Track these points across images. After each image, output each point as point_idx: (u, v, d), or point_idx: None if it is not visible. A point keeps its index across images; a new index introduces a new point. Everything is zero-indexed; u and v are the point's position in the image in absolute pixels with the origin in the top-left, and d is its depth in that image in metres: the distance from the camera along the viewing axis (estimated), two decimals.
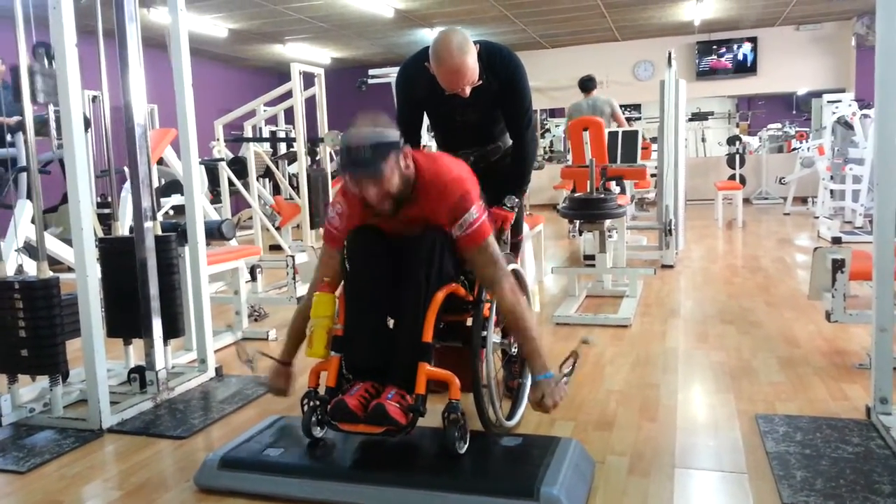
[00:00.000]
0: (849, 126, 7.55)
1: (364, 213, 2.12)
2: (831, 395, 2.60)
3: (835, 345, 3.24)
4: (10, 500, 2.04)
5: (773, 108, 13.60)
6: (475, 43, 2.39)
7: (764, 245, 6.54)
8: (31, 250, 3.37)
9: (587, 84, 7.04)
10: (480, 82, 2.40)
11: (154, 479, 2.13)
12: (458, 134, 2.69)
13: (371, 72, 8.57)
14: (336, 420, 1.95)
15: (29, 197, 4.29)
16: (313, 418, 2.09)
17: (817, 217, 7.95)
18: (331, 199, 2.24)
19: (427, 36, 9.80)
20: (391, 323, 2.13)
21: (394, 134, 1.99)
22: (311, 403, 2.08)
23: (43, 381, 2.67)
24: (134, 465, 2.22)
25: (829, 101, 8.46)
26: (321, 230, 7.62)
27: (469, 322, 2.22)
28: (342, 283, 2.16)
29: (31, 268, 2.97)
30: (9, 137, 5.49)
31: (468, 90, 2.38)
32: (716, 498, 1.91)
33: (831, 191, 7.69)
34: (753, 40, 11.28)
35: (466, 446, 1.99)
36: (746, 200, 9.70)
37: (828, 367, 2.93)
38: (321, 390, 2.08)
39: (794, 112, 13.19)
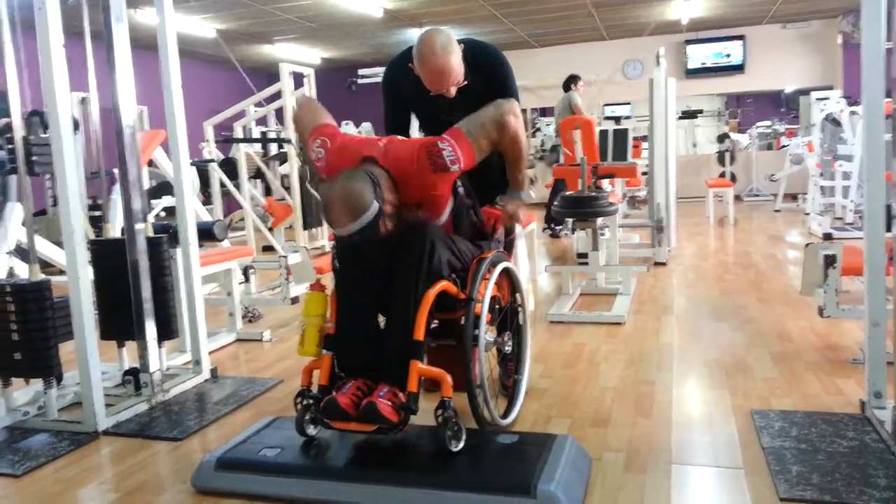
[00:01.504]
0: (837, 123, 7.59)
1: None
2: (825, 389, 2.62)
3: (828, 340, 3.26)
4: (5, 503, 2.02)
5: (762, 105, 13.67)
6: (460, 42, 2.37)
7: (755, 242, 6.57)
8: (23, 253, 3.35)
9: (565, 83, 7.52)
10: (466, 82, 2.39)
11: (150, 481, 2.12)
12: None
13: (361, 72, 8.58)
14: (328, 418, 1.95)
15: (19, 199, 4.25)
16: (307, 417, 2.08)
17: (808, 213, 8.00)
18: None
19: (416, 35, 9.79)
20: (382, 321, 2.13)
21: (370, 193, 1.97)
22: (304, 402, 2.08)
23: (37, 384, 2.65)
24: (130, 468, 2.21)
25: (817, 99, 8.51)
26: (313, 231, 7.61)
27: (462, 320, 2.22)
28: (334, 281, 2.16)
29: (22, 271, 2.95)
30: None
31: (453, 90, 2.37)
32: (712, 493, 1.92)
33: (821, 187, 7.73)
34: (741, 38, 11.34)
35: (461, 444, 1.99)
36: (737, 197, 9.74)
37: (821, 362, 2.95)
38: (314, 389, 2.08)
39: (782, 109, 13.25)
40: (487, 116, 2.21)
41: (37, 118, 3.51)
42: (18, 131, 2.59)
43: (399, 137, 2.22)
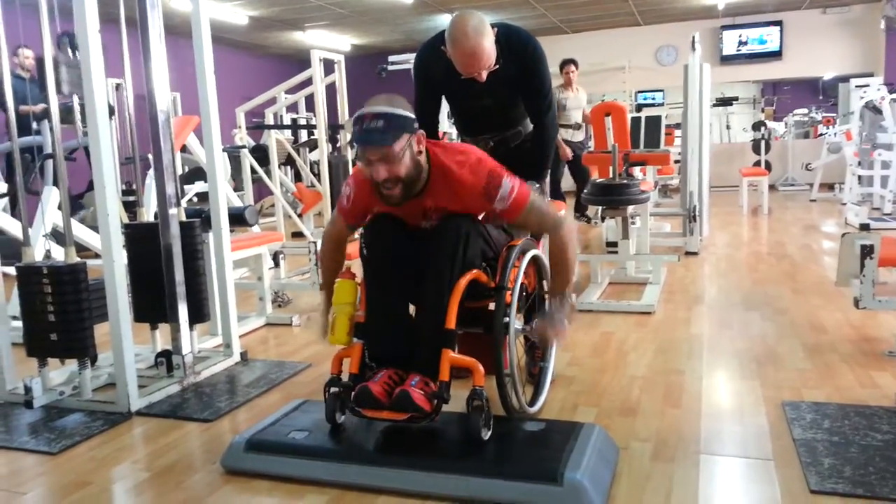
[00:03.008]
0: (877, 111, 7.41)
1: (371, 200, 2.12)
2: (859, 382, 2.57)
3: (863, 332, 3.19)
4: (42, 480, 2.08)
5: (799, 93, 13.38)
6: (493, 26, 2.35)
7: (790, 232, 6.46)
8: (59, 236, 3.42)
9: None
10: (497, 66, 2.37)
11: (182, 460, 2.16)
12: (478, 119, 2.67)
13: (391, 58, 8.56)
14: (361, 406, 1.96)
15: (55, 184, 4.34)
16: (336, 405, 2.10)
17: (844, 203, 7.82)
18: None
19: (447, 21, 9.75)
20: (412, 309, 2.13)
21: (409, 114, 1.98)
22: (335, 390, 2.09)
23: (72, 364, 2.71)
24: (162, 448, 2.26)
25: (856, 86, 8.31)
26: None
27: (492, 308, 2.22)
28: (363, 269, 2.17)
29: (58, 253, 3.01)
30: (35, 125, 5.56)
31: (485, 74, 2.35)
32: (741, 484, 1.89)
33: (859, 177, 7.57)
34: (779, 24, 11.09)
35: (490, 432, 1.99)
36: (772, 187, 9.58)
37: (856, 354, 2.89)
38: (344, 377, 2.09)
39: (820, 97, 12.96)
40: (554, 213, 2.19)
41: (66, 39, 3.55)
42: (56, 118, 2.63)
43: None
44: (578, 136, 7.03)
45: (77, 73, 2.52)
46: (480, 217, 2.22)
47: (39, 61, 2.65)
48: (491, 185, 2.05)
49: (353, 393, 1.98)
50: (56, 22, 2.79)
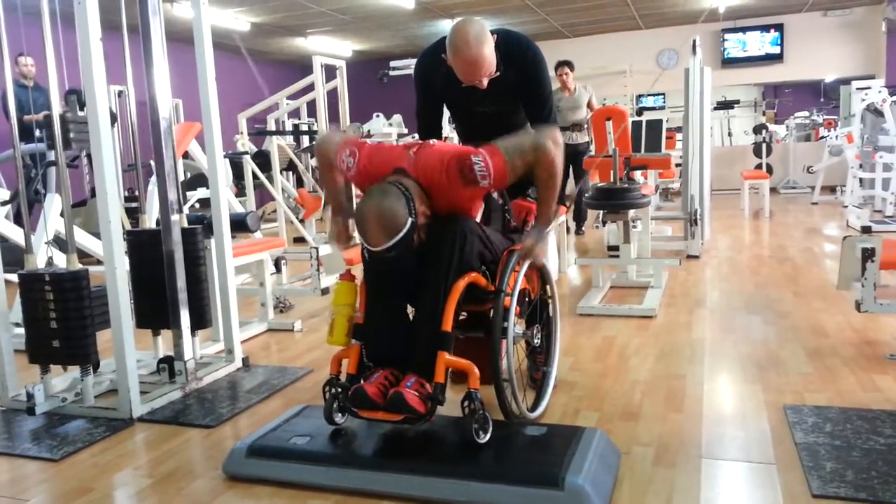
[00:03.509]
0: (879, 113, 7.42)
1: (382, 164, 2.13)
2: (861, 385, 2.57)
3: (865, 335, 3.19)
4: (44, 486, 2.08)
5: (801, 95, 13.38)
6: (492, 33, 2.36)
7: (791, 235, 6.45)
8: (61, 243, 3.42)
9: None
10: (498, 73, 2.38)
11: (183, 467, 2.16)
12: (479, 125, 2.68)
13: (392, 63, 8.58)
14: (356, 407, 1.97)
15: (58, 191, 4.35)
16: (335, 405, 2.10)
17: (846, 206, 7.82)
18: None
19: (448, 27, 9.77)
20: (411, 312, 2.14)
21: (404, 209, 1.97)
22: (333, 390, 2.10)
23: (74, 371, 2.72)
24: (164, 454, 2.26)
25: (858, 88, 8.31)
26: None
27: (491, 313, 2.22)
28: (363, 271, 2.18)
29: (60, 260, 3.02)
30: (37, 132, 5.58)
31: (485, 82, 2.35)
32: (743, 489, 1.89)
33: (860, 179, 7.56)
34: (780, 27, 11.10)
35: (488, 436, 1.99)
36: (773, 190, 9.58)
37: (858, 357, 2.89)
38: (342, 377, 2.10)
39: (821, 100, 12.97)
40: (528, 139, 2.16)
41: (74, 96, 3.57)
42: (57, 123, 2.64)
43: (432, 142, 2.19)
44: (580, 139, 6.74)
45: (85, 129, 2.54)
46: (479, 218, 2.22)
47: (47, 118, 2.66)
48: (465, 170, 2.05)
49: (348, 393, 1.99)
50: (59, 30, 2.80)
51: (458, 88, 2.42)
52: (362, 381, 2.00)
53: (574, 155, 6.67)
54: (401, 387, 1.93)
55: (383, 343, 2.09)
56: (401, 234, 1.95)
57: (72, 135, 2.68)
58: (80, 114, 2.67)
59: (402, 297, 2.14)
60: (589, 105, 6.74)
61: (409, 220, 1.96)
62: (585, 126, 6.75)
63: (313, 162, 8.22)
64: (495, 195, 2.31)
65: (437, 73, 2.46)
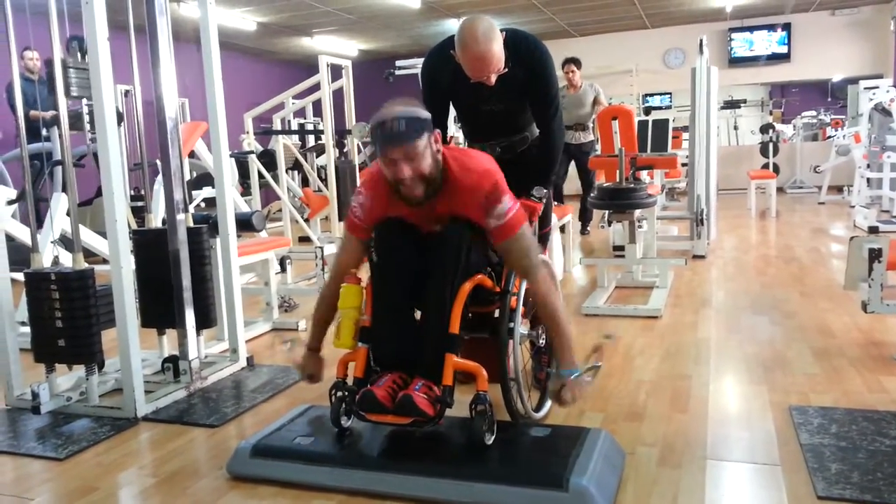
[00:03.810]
0: (887, 113, 7.37)
1: (388, 204, 2.12)
2: (868, 387, 2.55)
3: (871, 336, 3.17)
4: (49, 486, 2.09)
5: (808, 95, 13.33)
6: (500, 31, 2.36)
7: (798, 235, 6.43)
8: (67, 242, 3.44)
9: None
10: (506, 70, 2.38)
11: (188, 466, 2.16)
12: (485, 124, 2.68)
13: (398, 63, 8.57)
14: (364, 410, 1.96)
15: (64, 190, 4.37)
16: (341, 408, 2.10)
17: (853, 206, 7.78)
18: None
19: (454, 26, 9.76)
20: (418, 314, 2.13)
21: (426, 114, 2.00)
22: (340, 394, 2.09)
23: (79, 370, 2.72)
24: (168, 453, 2.26)
25: (865, 88, 8.27)
26: None
27: (496, 313, 2.22)
28: (369, 274, 2.17)
29: (66, 259, 3.03)
30: (44, 132, 5.60)
31: (494, 78, 2.36)
32: (748, 490, 1.88)
33: (868, 179, 7.52)
34: (787, 26, 11.06)
35: (494, 437, 1.99)
36: (780, 190, 9.54)
37: (864, 358, 2.87)
38: (349, 381, 2.09)
39: (829, 99, 12.91)
40: (536, 252, 2.14)
41: (76, 43, 3.56)
42: (65, 124, 2.65)
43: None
44: (584, 138, 6.63)
45: (86, 76, 2.53)
46: None
47: (49, 63, 2.65)
48: (491, 199, 2.04)
49: (357, 397, 1.98)
50: (66, 28, 2.81)
51: (465, 86, 2.42)
52: (370, 385, 1.99)
53: (577, 154, 6.62)
54: (409, 390, 1.93)
55: (390, 346, 2.08)
56: (417, 113, 1.96)
57: (73, 80, 2.66)
58: (82, 60, 2.67)
59: (409, 300, 2.14)
60: (597, 102, 6.65)
61: (429, 124, 1.99)
62: (591, 125, 6.69)
63: (319, 161, 8.23)
64: None
65: (444, 70, 2.46)
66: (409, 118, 1.95)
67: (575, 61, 6.78)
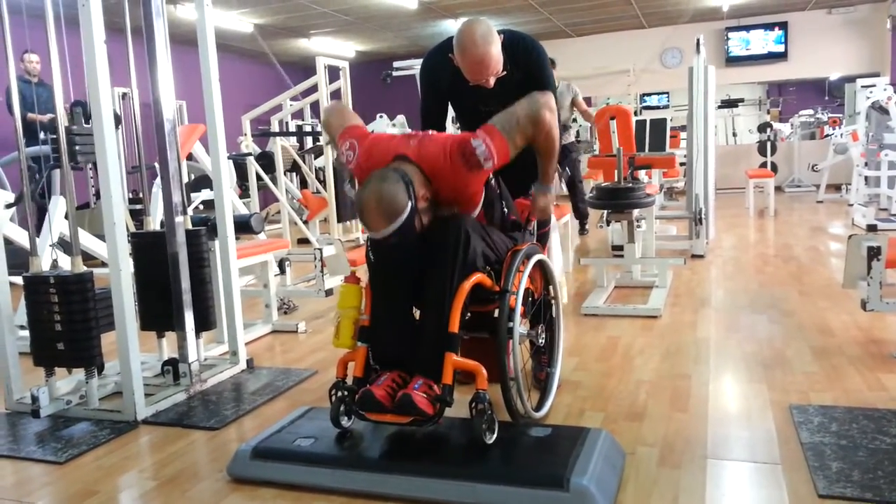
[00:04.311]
0: (884, 111, 7.39)
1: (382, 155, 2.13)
2: (868, 385, 2.55)
3: (871, 334, 3.18)
4: (49, 489, 2.08)
5: (805, 93, 13.34)
6: (498, 33, 2.37)
7: (796, 233, 6.44)
8: (66, 246, 3.43)
9: None
10: (504, 72, 2.38)
11: (188, 469, 2.16)
12: (483, 124, 2.68)
13: (396, 64, 8.58)
14: (364, 410, 1.97)
15: (62, 193, 4.36)
16: (341, 408, 2.10)
17: (851, 204, 7.80)
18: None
19: (451, 27, 9.77)
20: (417, 314, 2.14)
21: (402, 198, 1.96)
22: (339, 394, 2.09)
23: (79, 373, 2.72)
24: (168, 456, 2.26)
25: (863, 86, 8.28)
26: (348, 223, 7.67)
27: (496, 313, 2.22)
28: (368, 274, 2.17)
29: (65, 263, 3.02)
30: (42, 135, 5.59)
31: (492, 81, 2.36)
32: (749, 489, 1.88)
33: (866, 177, 7.53)
34: (784, 25, 11.07)
35: (494, 436, 1.99)
36: (778, 188, 9.54)
37: (864, 356, 2.87)
38: (349, 380, 2.09)
39: (826, 98, 12.92)
40: (522, 111, 2.15)
41: (79, 109, 3.58)
42: (62, 124, 2.65)
43: (431, 133, 2.20)
44: (565, 139, 6.25)
45: (90, 142, 2.54)
46: (476, 214, 2.21)
47: (52, 121, 2.66)
48: (465, 151, 2.05)
49: (356, 396, 1.98)
50: (62, 30, 2.81)
51: (463, 88, 2.43)
52: (369, 384, 1.99)
53: (560, 156, 6.51)
54: (409, 389, 1.93)
55: (389, 345, 2.08)
56: (402, 219, 1.95)
57: (77, 147, 2.68)
58: (86, 126, 2.67)
59: (408, 299, 2.14)
60: (575, 103, 6.58)
61: (409, 203, 1.96)
62: (569, 126, 6.62)
63: (317, 163, 8.23)
64: (493, 182, 2.30)
65: (443, 71, 2.47)
66: (397, 231, 1.96)
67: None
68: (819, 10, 10.83)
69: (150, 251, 2.88)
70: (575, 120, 10.81)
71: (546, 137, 2.21)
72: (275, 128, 7.44)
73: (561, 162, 6.46)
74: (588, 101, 11.67)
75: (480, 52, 2.28)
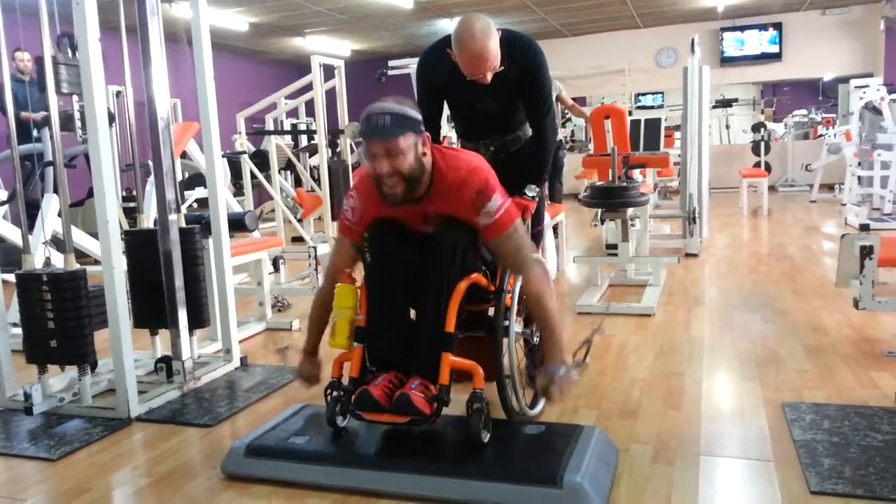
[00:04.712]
0: (877, 111, 7.42)
1: (379, 206, 2.11)
2: (860, 382, 2.57)
3: (863, 332, 3.19)
4: (41, 486, 2.08)
5: (799, 94, 13.39)
6: (496, 30, 2.37)
7: (790, 233, 6.46)
8: (59, 243, 3.42)
9: None
10: (501, 69, 2.39)
11: (181, 466, 2.16)
12: (479, 123, 2.68)
13: (391, 63, 8.56)
14: (361, 410, 1.96)
15: (55, 191, 4.35)
16: (337, 408, 2.10)
17: (844, 204, 7.82)
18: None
19: (447, 26, 9.77)
20: (413, 314, 2.13)
21: (417, 115, 2.00)
22: (335, 394, 2.09)
23: (72, 371, 2.71)
24: (162, 453, 2.26)
25: (856, 87, 8.31)
26: None
27: (491, 312, 2.22)
28: (364, 274, 2.17)
29: (58, 260, 3.01)
30: (35, 133, 5.57)
31: (489, 76, 2.37)
32: (741, 486, 1.89)
33: (859, 177, 7.56)
34: (778, 26, 11.10)
35: (489, 435, 1.99)
36: (772, 188, 9.58)
37: (856, 354, 2.89)
38: (345, 381, 2.09)
39: (820, 98, 12.97)
40: (529, 248, 2.12)
41: (66, 39, 3.55)
42: (56, 125, 2.63)
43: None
44: None
45: (76, 73, 2.52)
46: None
47: (39, 61, 2.62)
48: (481, 196, 2.04)
49: (353, 396, 1.98)
50: (56, 27, 2.80)
51: (460, 85, 2.43)
52: (366, 385, 1.99)
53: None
54: (406, 388, 1.93)
55: (386, 346, 2.08)
56: (406, 111, 1.96)
57: (63, 77, 2.65)
58: (72, 58, 2.65)
59: (404, 299, 2.14)
60: (560, 100, 6.59)
61: (420, 125, 1.98)
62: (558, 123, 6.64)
63: (312, 161, 8.21)
64: None
65: (440, 68, 2.47)
66: (396, 114, 1.95)
67: None
68: (813, 10, 10.87)
69: (143, 249, 2.87)
70: (568, 119, 10.80)
71: (533, 291, 2.08)
72: (269, 126, 7.42)
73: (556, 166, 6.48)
74: (583, 100, 11.74)
75: (479, 45, 2.28)
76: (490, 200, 2.04)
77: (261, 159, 7.16)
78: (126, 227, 4.04)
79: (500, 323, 2.12)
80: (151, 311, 2.88)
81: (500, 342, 2.10)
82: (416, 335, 2.06)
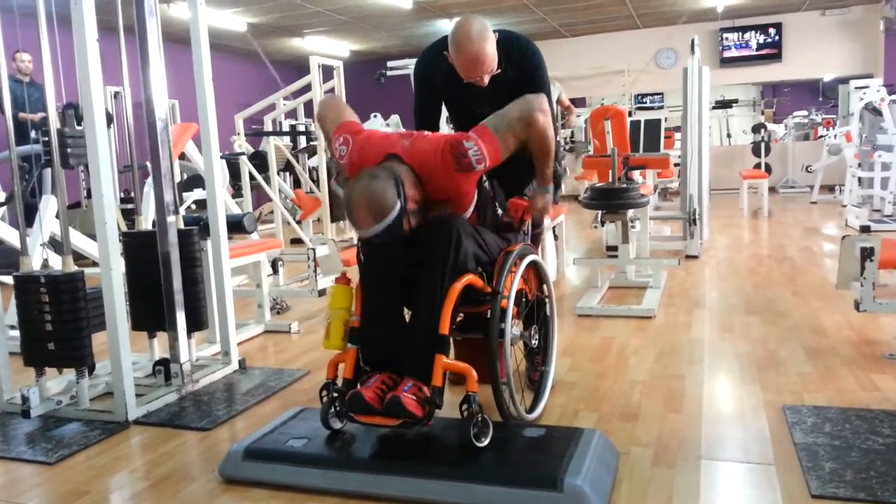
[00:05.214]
0: (877, 112, 7.41)
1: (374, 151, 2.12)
2: (861, 385, 2.56)
3: (864, 335, 3.18)
4: (39, 490, 2.07)
5: (799, 95, 13.39)
6: (493, 33, 2.36)
7: (790, 234, 6.45)
8: (56, 245, 3.41)
9: None
10: (499, 71, 2.38)
11: (179, 469, 2.14)
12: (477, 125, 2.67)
13: (390, 64, 8.56)
14: (353, 412, 1.96)
15: (53, 192, 4.34)
16: (331, 410, 2.09)
17: (845, 205, 7.82)
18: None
19: (445, 27, 9.76)
20: (408, 315, 2.13)
21: (391, 197, 1.95)
22: (329, 395, 2.08)
23: (70, 373, 2.70)
24: (160, 457, 2.25)
25: (856, 87, 8.31)
26: (341, 223, 7.65)
27: (488, 314, 2.21)
28: (358, 275, 2.16)
29: (56, 262, 3.00)
30: (33, 134, 5.57)
31: (486, 79, 2.35)
32: (742, 489, 1.88)
33: (859, 178, 7.56)
34: (778, 26, 11.10)
35: (488, 440, 1.97)
36: (772, 189, 9.57)
37: (857, 357, 2.88)
38: (339, 382, 2.08)
39: (820, 99, 12.97)
40: (514, 113, 2.14)
41: (72, 111, 3.56)
42: (54, 124, 2.63)
43: (425, 133, 2.19)
44: None
45: (83, 144, 2.54)
46: (469, 214, 2.20)
47: (44, 121, 2.63)
48: (459, 154, 2.05)
49: (345, 398, 1.97)
50: (55, 29, 2.79)
51: (458, 86, 2.42)
52: (359, 386, 1.98)
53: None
54: (398, 391, 1.92)
55: (380, 347, 2.07)
56: (390, 219, 1.94)
57: (70, 150, 2.67)
58: (78, 128, 2.65)
59: (399, 301, 2.13)
60: (558, 100, 6.63)
61: (398, 203, 1.95)
62: (557, 124, 6.69)
63: (311, 162, 8.21)
64: (486, 184, 2.29)
65: (438, 70, 2.46)
66: (386, 228, 1.95)
67: None
68: (813, 11, 10.86)
69: (141, 251, 2.86)
70: (562, 125, 10.80)
71: (540, 139, 2.18)
72: (268, 127, 7.41)
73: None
74: (582, 101, 11.74)
75: (476, 48, 2.27)
76: (467, 147, 2.05)
77: (259, 160, 7.15)
78: (124, 228, 4.03)
79: (496, 326, 2.11)
80: (149, 313, 2.87)
81: (495, 345, 2.09)
82: (411, 337, 2.05)
